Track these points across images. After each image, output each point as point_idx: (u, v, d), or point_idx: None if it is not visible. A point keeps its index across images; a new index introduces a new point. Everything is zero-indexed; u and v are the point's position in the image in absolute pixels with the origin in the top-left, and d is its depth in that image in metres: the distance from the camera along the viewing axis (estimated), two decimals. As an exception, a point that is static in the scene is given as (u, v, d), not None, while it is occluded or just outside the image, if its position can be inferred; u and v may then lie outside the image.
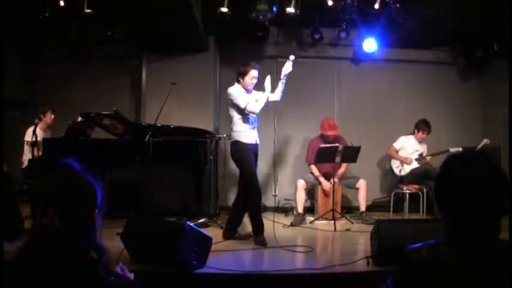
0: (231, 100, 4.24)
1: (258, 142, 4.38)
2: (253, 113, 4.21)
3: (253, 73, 4.24)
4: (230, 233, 4.34)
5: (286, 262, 3.62)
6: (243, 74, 4.25)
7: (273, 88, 4.34)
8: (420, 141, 5.85)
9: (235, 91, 4.24)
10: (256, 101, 4.23)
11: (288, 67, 4.23)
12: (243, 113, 4.22)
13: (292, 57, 4.23)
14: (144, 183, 5.03)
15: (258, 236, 4.17)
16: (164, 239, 3.23)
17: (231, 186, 5.75)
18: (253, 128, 4.32)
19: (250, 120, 4.27)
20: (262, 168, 6.45)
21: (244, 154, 4.20)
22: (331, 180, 5.39)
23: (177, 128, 5.21)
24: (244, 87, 4.27)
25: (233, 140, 4.30)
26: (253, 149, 4.29)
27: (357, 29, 6.20)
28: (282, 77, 4.28)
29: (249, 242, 4.24)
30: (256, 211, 4.26)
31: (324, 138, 5.59)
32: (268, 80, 4.25)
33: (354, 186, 5.67)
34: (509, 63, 5.02)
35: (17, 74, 6.26)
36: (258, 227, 4.21)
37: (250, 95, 4.31)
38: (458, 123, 6.52)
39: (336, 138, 5.56)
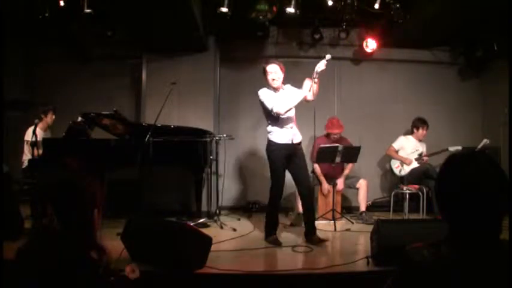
0: (260, 102, 4.25)
1: (295, 141, 4.28)
2: (279, 114, 4.13)
3: (269, 68, 4.20)
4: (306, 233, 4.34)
5: (286, 262, 3.62)
6: (264, 75, 4.26)
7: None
8: (421, 139, 5.85)
9: (263, 93, 4.23)
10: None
11: (321, 65, 4.08)
12: (272, 114, 4.19)
13: (328, 56, 4.09)
14: (144, 183, 5.03)
15: (267, 237, 4.24)
16: (164, 239, 3.23)
17: (231, 186, 5.75)
18: (287, 128, 4.26)
19: (282, 120, 4.23)
20: (261, 168, 6.47)
21: (274, 153, 4.24)
22: (332, 182, 5.40)
23: (177, 128, 5.21)
24: (271, 88, 4.25)
25: (267, 139, 4.34)
26: (287, 149, 4.23)
27: (357, 29, 6.21)
28: (314, 75, 4.12)
29: (249, 242, 4.24)
30: (269, 210, 4.32)
31: (328, 137, 5.59)
32: (307, 83, 4.14)
33: (354, 186, 5.68)
34: (509, 63, 5.02)
35: (17, 74, 6.26)
36: (267, 225, 4.29)
37: (278, 94, 4.24)
38: (458, 123, 6.51)
39: (340, 139, 5.57)
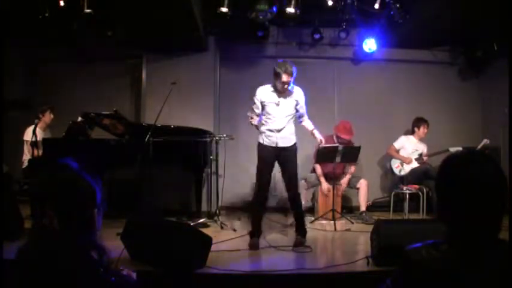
0: None
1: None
2: None
3: None
4: None
5: (286, 262, 3.62)
6: None
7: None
8: (422, 138, 5.85)
9: None
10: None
11: None
12: None
13: None
14: (144, 183, 5.03)
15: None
16: (164, 239, 3.23)
17: (231, 186, 5.74)
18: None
19: None
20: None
21: None
22: (333, 182, 5.40)
23: (177, 128, 5.21)
24: None
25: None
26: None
27: (357, 29, 6.21)
28: None
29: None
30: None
31: (337, 139, 5.56)
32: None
33: (354, 186, 5.67)
34: (509, 63, 5.02)
35: (17, 74, 6.26)
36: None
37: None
38: (458, 123, 6.51)
39: (348, 143, 5.55)
